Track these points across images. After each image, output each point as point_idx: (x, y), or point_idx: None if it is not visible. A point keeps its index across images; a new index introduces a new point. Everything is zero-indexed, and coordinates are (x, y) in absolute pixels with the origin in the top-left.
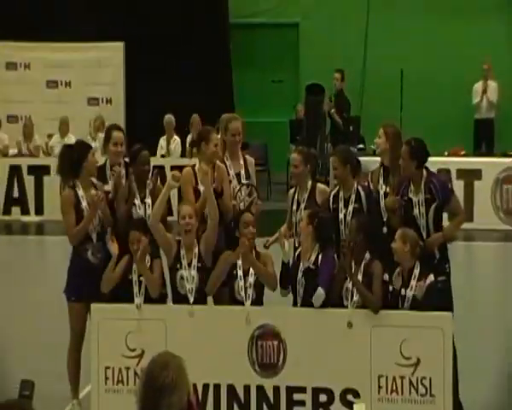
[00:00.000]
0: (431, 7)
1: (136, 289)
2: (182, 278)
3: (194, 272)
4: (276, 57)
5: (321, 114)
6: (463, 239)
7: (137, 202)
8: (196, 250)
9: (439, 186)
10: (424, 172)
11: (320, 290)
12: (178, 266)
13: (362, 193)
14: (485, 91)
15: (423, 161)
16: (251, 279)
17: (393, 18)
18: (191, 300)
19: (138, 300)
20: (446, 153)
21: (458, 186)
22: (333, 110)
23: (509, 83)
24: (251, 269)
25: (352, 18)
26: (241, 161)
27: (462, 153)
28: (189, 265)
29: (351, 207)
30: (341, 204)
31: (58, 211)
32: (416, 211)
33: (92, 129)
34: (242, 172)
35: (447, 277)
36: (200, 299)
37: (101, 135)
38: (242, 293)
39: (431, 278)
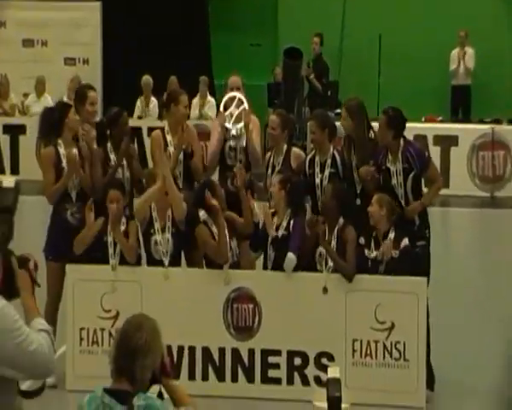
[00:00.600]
0: None
1: (111, 250)
2: (156, 243)
3: (168, 236)
4: (254, 21)
5: (299, 78)
6: (439, 205)
7: (114, 164)
8: (170, 213)
9: (416, 155)
10: (401, 141)
11: (291, 256)
12: (152, 231)
13: (337, 158)
14: (462, 58)
15: (401, 130)
16: (232, 243)
17: None
18: (166, 263)
19: (113, 261)
20: (423, 119)
21: (435, 152)
22: (312, 76)
23: (486, 50)
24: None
25: None
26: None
27: (439, 119)
28: (163, 230)
29: (327, 172)
30: (317, 169)
31: (34, 171)
32: (394, 180)
33: (69, 89)
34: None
35: (427, 242)
36: (175, 263)
37: None
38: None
39: (405, 241)
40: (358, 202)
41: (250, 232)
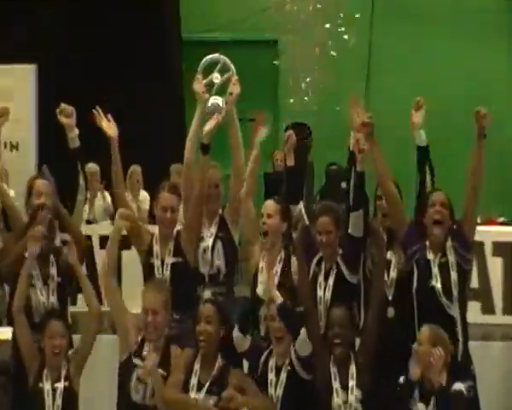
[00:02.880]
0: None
1: (49, 401)
2: (139, 379)
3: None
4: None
5: (307, 161)
6: (500, 339)
7: (39, 284)
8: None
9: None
10: None
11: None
12: (136, 361)
13: (342, 265)
14: None
15: None
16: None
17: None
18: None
19: None
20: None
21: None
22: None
23: None
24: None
25: None
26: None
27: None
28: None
29: (331, 281)
30: (321, 278)
31: None
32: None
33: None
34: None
35: (474, 381)
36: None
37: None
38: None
39: (459, 386)
40: (392, 312)
41: None
